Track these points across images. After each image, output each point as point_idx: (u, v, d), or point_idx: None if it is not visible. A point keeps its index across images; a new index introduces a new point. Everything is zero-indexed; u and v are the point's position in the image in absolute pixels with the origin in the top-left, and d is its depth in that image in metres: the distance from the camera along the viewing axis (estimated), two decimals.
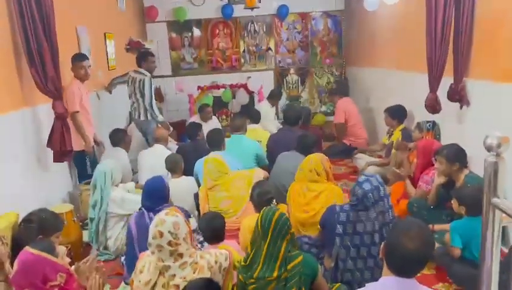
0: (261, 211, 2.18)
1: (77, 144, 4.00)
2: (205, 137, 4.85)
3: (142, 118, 5.06)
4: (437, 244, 2.83)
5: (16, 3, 3.08)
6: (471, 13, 3.40)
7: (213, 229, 2.73)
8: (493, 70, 3.28)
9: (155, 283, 2.02)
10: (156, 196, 2.93)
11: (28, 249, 1.95)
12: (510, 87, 3.07)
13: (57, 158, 3.54)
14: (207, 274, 2.06)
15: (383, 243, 1.71)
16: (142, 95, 4.94)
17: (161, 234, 1.95)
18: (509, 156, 1.42)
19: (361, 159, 5.27)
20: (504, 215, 1.57)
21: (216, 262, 2.13)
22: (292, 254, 2.16)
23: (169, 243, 1.96)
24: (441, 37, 3.56)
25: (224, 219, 2.90)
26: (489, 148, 1.60)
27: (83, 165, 4.12)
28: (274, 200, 2.96)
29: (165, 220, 1.99)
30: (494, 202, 1.62)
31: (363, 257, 2.47)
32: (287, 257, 2.11)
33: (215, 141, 4.21)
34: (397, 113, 4.81)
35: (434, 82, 3.75)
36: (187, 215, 3.01)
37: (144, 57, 5.11)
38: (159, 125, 5.12)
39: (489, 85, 3.31)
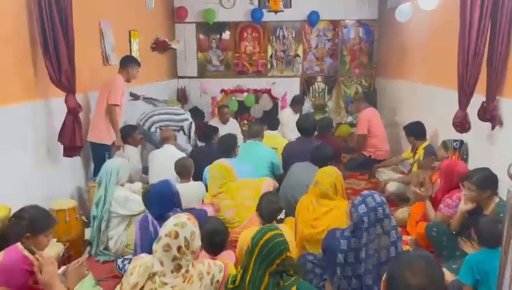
0: (260, 228, 2.01)
1: (101, 137, 4.05)
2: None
3: (146, 127, 5.08)
4: (453, 277, 2.59)
5: None
6: (508, 28, 3.14)
7: (213, 244, 2.61)
8: None
9: (142, 288, 1.91)
10: (163, 202, 2.80)
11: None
12: None
13: (67, 153, 3.51)
14: (197, 285, 1.94)
15: (384, 275, 1.52)
16: (190, 133, 5.25)
17: (176, 235, 1.90)
18: None
19: (384, 174, 5.05)
20: None
21: (208, 273, 2.01)
22: (286, 284, 1.93)
23: (179, 249, 1.89)
24: (474, 52, 3.30)
25: (227, 234, 2.76)
26: None
27: (102, 159, 4.09)
28: (283, 211, 2.79)
29: (186, 224, 1.94)
30: None
31: (368, 286, 2.24)
32: (274, 286, 1.89)
33: (227, 147, 4.09)
34: (414, 131, 4.60)
35: (464, 99, 3.48)
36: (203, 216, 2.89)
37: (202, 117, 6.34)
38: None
39: None
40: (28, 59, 3.26)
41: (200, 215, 2.70)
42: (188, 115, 5.39)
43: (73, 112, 3.40)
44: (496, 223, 2.44)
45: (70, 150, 3.49)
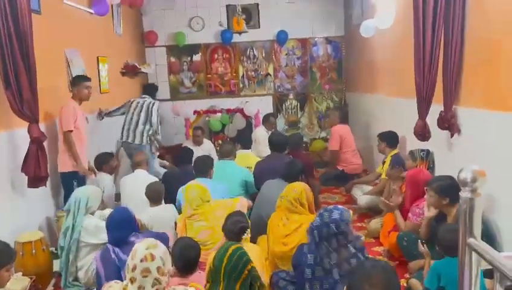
0: (220, 247, 2.01)
1: (66, 165, 3.96)
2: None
3: (137, 141, 5.03)
4: (421, 286, 2.62)
5: None
6: (460, 38, 3.27)
7: (186, 260, 2.55)
8: (485, 97, 3.12)
9: None
10: (123, 226, 2.79)
11: None
12: (502, 115, 2.91)
13: (32, 184, 3.42)
14: None
15: (344, 287, 1.53)
16: (148, 117, 5.07)
17: (152, 257, 1.82)
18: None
19: (358, 189, 5.09)
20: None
21: None
22: None
23: (158, 270, 1.82)
24: (429, 62, 3.42)
25: (200, 250, 2.73)
26: (463, 183, 1.44)
27: (70, 187, 4.02)
28: (248, 230, 2.78)
29: (157, 245, 1.89)
30: (470, 242, 1.45)
31: None
32: None
33: (203, 168, 4.07)
34: (387, 137, 4.68)
35: (423, 109, 3.60)
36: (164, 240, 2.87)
37: (156, 89, 5.78)
38: (156, 145, 5.34)
39: (481, 113, 3.15)
40: None
41: (160, 238, 2.68)
42: (148, 98, 5.32)
43: (36, 141, 3.33)
44: (454, 231, 2.48)
45: (35, 181, 3.40)
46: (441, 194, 2.95)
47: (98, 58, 5.44)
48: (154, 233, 3.01)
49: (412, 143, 4.39)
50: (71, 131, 3.92)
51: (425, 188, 3.14)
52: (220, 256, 1.95)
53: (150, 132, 5.11)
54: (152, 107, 5.14)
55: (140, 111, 5.14)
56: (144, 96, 5.41)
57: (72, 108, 3.99)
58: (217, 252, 1.99)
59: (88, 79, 4.23)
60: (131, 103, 5.25)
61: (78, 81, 4.14)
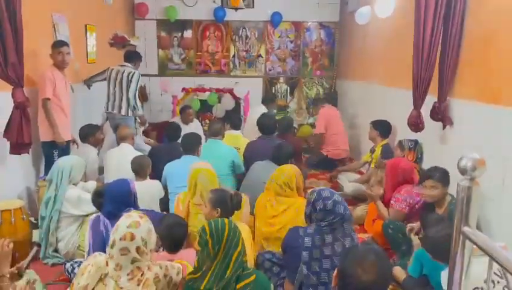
0: (208, 222, 1.98)
1: (46, 134, 3.83)
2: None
3: (123, 113, 4.84)
4: (405, 274, 2.64)
5: None
6: (459, 32, 3.26)
7: (173, 238, 2.53)
8: (479, 90, 3.13)
9: None
10: (118, 201, 2.68)
11: None
12: (495, 108, 2.92)
13: (14, 150, 3.31)
14: (152, 288, 1.87)
15: (335, 270, 1.51)
16: (129, 86, 4.77)
17: (132, 237, 1.80)
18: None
19: (344, 176, 5.10)
20: (476, 246, 1.40)
21: (166, 276, 1.95)
22: (245, 272, 1.96)
23: (138, 249, 1.81)
24: (427, 54, 3.41)
25: (187, 227, 2.69)
26: (463, 171, 1.42)
27: (51, 158, 3.90)
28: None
29: (140, 224, 1.85)
30: (464, 231, 1.44)
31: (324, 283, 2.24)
32: (238, 269, 1.92)
33: (191, 145, 3.99)
34: (381, 126, 4.63)
35: (418, 99, 3.60)
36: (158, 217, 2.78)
37: (139, 58, 5.18)
38: (138, 120, 5.09)
39: (474, 106, 3.16)
40: None
41: (155, 218, 2.63)
42: (128, 66, 4.92)
43: (21, 106, 3.21)
44: (443, 237, 2.26)
45: (17, 147, 3.29)
46: (446, 183, 2.90)
47: (86, 26, 5.26)
48: (151, 212, 2.92)
49: (402, 133, 4.41)
50: (49, 99, 3.75)
51: (421, 182, 3.05)
52: (221, 227, 1.92)
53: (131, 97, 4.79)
54: (132, 78, 4.77)
55: (121, 80, 4.81)
56: (124, 64, 4.96)
57: (50, 75, 3.79)
58: (210, 225, 1.95)
59: (62, 44, 3.94)
60: (111, 72, 4.89)
61: (52, 47, 3.92)
